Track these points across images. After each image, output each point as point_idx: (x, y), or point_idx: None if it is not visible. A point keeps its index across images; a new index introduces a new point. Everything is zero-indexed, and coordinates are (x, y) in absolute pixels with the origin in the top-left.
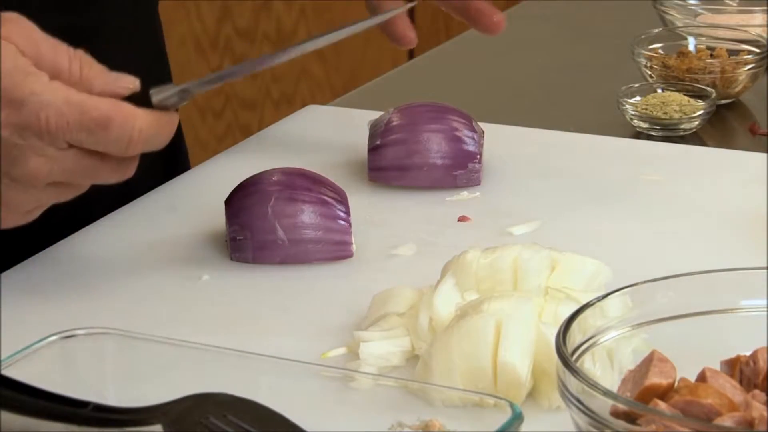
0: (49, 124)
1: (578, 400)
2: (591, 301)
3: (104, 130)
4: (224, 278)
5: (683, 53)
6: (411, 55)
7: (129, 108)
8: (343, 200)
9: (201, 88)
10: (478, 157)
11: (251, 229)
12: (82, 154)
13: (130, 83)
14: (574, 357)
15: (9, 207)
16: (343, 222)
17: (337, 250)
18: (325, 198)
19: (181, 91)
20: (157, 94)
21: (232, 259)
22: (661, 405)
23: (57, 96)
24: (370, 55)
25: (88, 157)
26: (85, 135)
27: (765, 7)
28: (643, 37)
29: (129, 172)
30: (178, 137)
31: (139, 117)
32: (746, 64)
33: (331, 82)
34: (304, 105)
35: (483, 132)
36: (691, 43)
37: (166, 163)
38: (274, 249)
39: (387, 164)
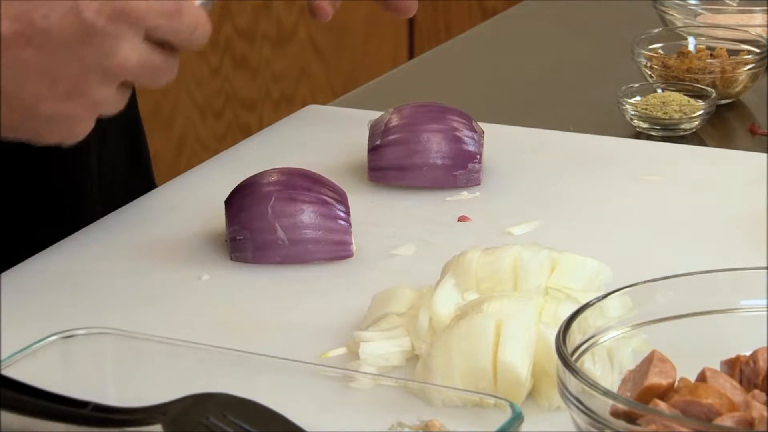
0: (138, 9)
1: (578, 400)
2: (591, 301)
3: (179, 15)
4: (224, 278)
5: (683, 53)
6: (411, 55)
7: (191, 4)
8: (343, 200)
9: None
10: (478, 157)
11: (251, 229)
12: (153, 47)
13: None
14: (574, 357)
15: (98, 105)
16: (343, 222)
17: (337, 250)
18: (325, 198)
19: None
20: None
21: (232, 259)
22: (661, 405)
23: None
24: (370, 55)
25: (158, 51)
26: (164, 20)
27: (765, 7)
28: (643, 37)
29: (175, 73)
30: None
31: (201, 11)
32: (746, 64)
33: (331, 82)
34: (304, 105)
35: (483, 132)
36: (691, 43)
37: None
38: (274, 249)
39: (387, 164)
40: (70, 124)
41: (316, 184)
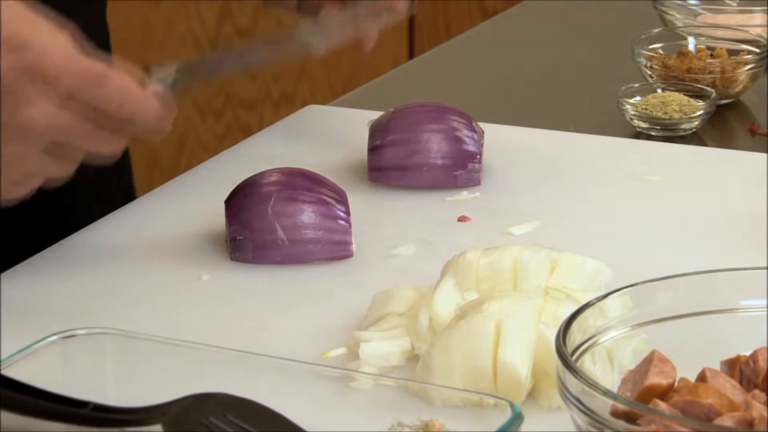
0: (54, 67)
1: (578, 400)
2: (591, 301)
3: (103, 81)
4: (224, 278)
5: (683, 53)
6: (411, 55)
7: (125, 74)
8: (343, 200)
9: (196, 72)
10: (478, 157)
11: (251, 229)
12: (80, 114)
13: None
14: (574, 357)
15: (7, 164)
16: (343, 222)
17: (337, 250)
18: (325, 198)
19: (178, 71)
20: (156, 74)
21: (232, 259)
22: (661, 405)
23: (60, 44)
24: (370, 55)
25: (85, 119)
26: (83, 83)
27: (765, 7)
28: (643, 37)
29: (119, 145)
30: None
31: (135, 83)
32: (746, 64)
33: (331, 82)
34: (304, 105)
35: (483, 132)
36: (691, 43)
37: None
38: (274, 249)
39: (387, 164)
40: None
41: (316, 184)
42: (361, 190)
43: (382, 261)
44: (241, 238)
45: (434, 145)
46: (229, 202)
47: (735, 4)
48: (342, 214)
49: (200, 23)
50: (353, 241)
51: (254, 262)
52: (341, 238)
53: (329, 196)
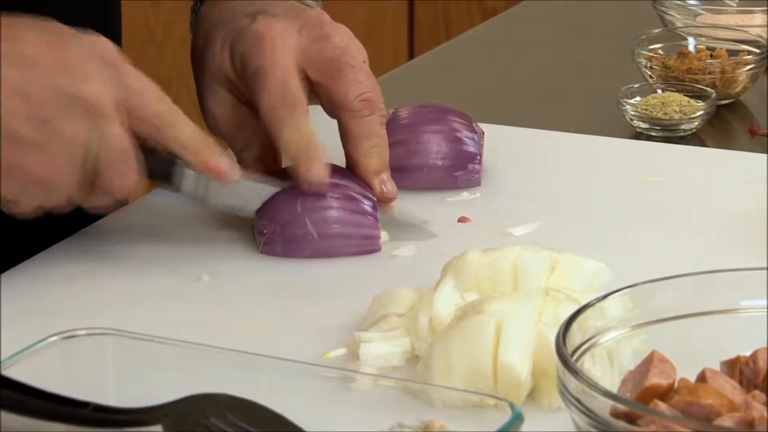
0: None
1: (578, 401)
2: (591, 301)
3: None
4: (224, 278)
5: (683, 53)
6: (411, 55)
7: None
8: (370, 195)
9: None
10: (479, 157)
11: (281, 223)
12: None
13: None
14: (574, 357)
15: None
16: (370, 217)
17: (365, 245)
18: (353, 193)
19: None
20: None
21: (261, 252)
22: (661, 405)
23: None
24: (370, 55)
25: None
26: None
27: (765, 8)
28: (643, 37)
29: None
30: None
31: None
32: (746, 64)
33: None
34: None
35: (483, 132)
36: (691, 44)
37: None
38: (303, 243)
39: None
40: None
41: (344, 178)
42: None
43: (382, 261)
44: (270, 231)
45: (434, 146)
46: None
47: (735, 4)
48: (369, 209)
49: None
50: (381, 236)
51: (284, 256)
52: (369, 232)
53: (357, 191)
